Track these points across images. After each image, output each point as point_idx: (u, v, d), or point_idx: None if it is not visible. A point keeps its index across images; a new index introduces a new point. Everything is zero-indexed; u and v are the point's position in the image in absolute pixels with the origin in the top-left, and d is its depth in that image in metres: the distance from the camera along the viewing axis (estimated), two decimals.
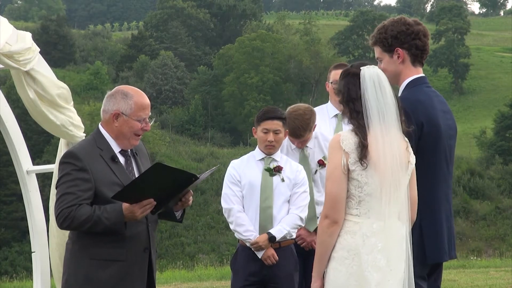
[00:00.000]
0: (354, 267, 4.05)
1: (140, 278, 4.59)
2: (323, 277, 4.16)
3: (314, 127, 6.30)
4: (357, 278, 4.05)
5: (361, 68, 4.17)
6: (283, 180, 5.98)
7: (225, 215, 6.05)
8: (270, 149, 5.99)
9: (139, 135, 4.66)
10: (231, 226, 5.99)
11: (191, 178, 4.45)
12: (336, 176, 4.07)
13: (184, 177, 4.45)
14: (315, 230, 6.20)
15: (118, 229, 4.44)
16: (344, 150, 4.07)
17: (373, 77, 4.13)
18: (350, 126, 4.18)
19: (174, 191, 4.51)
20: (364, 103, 4.10)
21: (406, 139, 4.18)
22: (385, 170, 4.06)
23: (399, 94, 4.49)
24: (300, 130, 6.18)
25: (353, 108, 4.13)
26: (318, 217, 6.24)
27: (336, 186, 4.07)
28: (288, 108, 6.32)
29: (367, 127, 4.08)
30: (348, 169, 4.07)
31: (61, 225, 4.48)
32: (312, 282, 4.19)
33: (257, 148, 6.11)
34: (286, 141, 6.33)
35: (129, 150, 4.70)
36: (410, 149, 4.20)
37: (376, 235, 4.06)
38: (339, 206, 4.07)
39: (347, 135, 4.12)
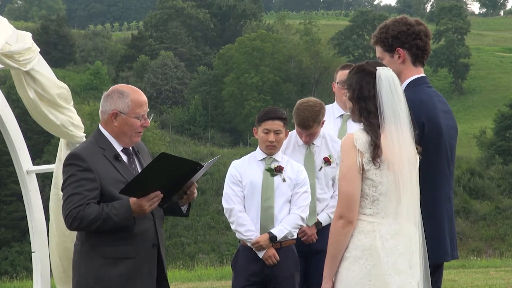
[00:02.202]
0: (368, 267, 4.04)
1: (150, 274, 4.60)
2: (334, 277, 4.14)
3: (323, 123, 6.29)
4: (372, 278, 4.04)
5: (377, 68, 4.15)
6: (284, 180, 5.98)
7: (226, 215, 6.05)
8: (271, 149, 5.99)
9: (140, 132, 4.67)
10: (232, 226, 6.00)
11: (195, 167, 4.44)
12: (351, 175, 4.06)
13: (188, 166, 4.45)
14: (315, 224, 6.23)
15: (128, 225, 4.45)
16: (358, 149, 4.06)
17: (388, 78, 4.12)
18: (359, 125, 4.17)
19: (179, 182, 4.50)
20: (379, 103, 4.08)
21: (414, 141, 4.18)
22: (402, 169, 4.05)
23: None
24: (309, 120, 6.15)
25: (365, 107, 4.11)
26: (318, 214, 6.27)
27: (351, 186, 4.06)
28: (298, 101, 6.33)
29: (380, 127, 4.07)
30: (363, 168, 4.06)
31: (71, 226, 4.48)
32: (323, 283, 4.16)
33: (258, 148, 6.11)
34: (293, 138, 6.35)
35: (130, 148, 4.72)
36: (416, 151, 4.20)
37: (395, 238, 4.05)
38: (353, 206, 4.06)
39: (360, 135, 4.11)
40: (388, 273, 4.03)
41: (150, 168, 4.34)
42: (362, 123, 4.14)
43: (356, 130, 4.19)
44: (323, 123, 6.30)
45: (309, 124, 6.17)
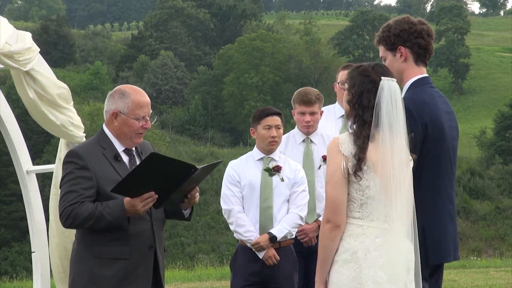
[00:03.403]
0: (357, 270, 4.03)
1: (145, 276, 4.58)
2: (326, 281, 4.13)
3: (321, 113, 6.38)
4: (360, 280, 4.03)
5: (382, 78, 4.09)
6: (282, 179, 5.99)
7: (225, 216, 6.05)
8: (273, 145, 6.02)
9: (141, 133, 4.66)
10: (232, 227, 6.00)
11: (190, 169, 4.41)
12: (336, 179, 4.04)
13: (182, 168, 4.41)
14: (318, 226, 6.22)
15: (121, 225, 4.44)
16: (343, 154, 4.04)
17: (391, 91, 4.06)
18: (349, 129, 4.13)
19: (174, 184, 4.46)
20: (376, 113, 4.03)
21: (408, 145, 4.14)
22: (392, 175, 4.02)
23: (403, 94, 4.45)
24: (311, 94, 6.29)
25: (361, 115, 4.07)
26: (319, 215, 6.28)
27: (337, 190, 4.04)
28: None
29: (371, 136, 4.03)
30: (348, 173, 4.04)
31: (65, 223, 4.50)
32: (315, 287, 4.16)
33: (255, 148, 6.13)
34: (291, 137, 6.41)
35: (133, 149, 4.71)
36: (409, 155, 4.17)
37: (378, 249, 4.03)
38: (340, 209, 4.04)
39: (346, 139, 4.08)
40: (367, 284, 4.02)
41: (140, 167, 4.33)
42: (352, 129, 4.10)
43: (343, 134, 4.16)
44: (321, 114, 6.37)
45: (311, 99, 6.27)
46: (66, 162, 4.58)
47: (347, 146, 4.05)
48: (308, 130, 6.34)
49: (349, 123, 4.15)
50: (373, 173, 4.04)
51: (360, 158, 4.01)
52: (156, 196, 4.43)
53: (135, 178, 4.33)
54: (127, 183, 4.34)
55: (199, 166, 4.45)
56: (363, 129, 4.06)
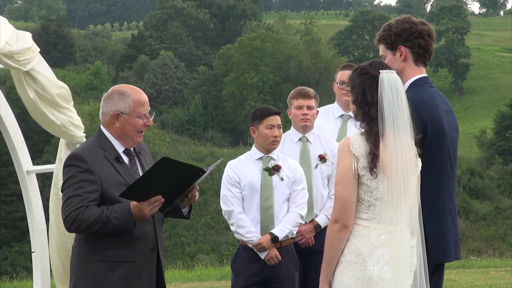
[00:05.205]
0: (362, 272, 4.03)
1: (149, 278, 4.56)
2: (330, 281, 4.14)
3: (317, 113, 6.39)
4: (365, 283, 4.03)
5: (380, 71, 4.10)
6: (282, 179, 5.99)
7: (225, 217, 6.05)
8: (275, 145, 6.04)
9: (142, 132, 4.64)
10: (232, 228, 6.00)
11: (198, 172, 4.40)
12: (347, 180, 4.04)
13: (190, 172, 4.40)
14: (314, 227, 6.23)
15: (128, 229, 4.40)
16: (354, 154, 4.04)
17: (391, 83, 4.06)
18: (359, 129, 4.13)
19: (181, 187, 4.46)
20: (380, 109, 4.03)
21: (415, 145, 4.14)
22: (396, 176, 4.02)
23: None
24: (309, 90, 6.36)
25: (368, 113, 4.07)
26: (316, 215, 6.28)
27: (347, 191, 4.04)
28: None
29: (380, 134, 4.03)
30: (358, 174, 4.04)
31: (70, 228, 4.43)
32: (320, 286, 4.16)
33: (253, 147, 6.13)
34: (288, 136, 6.42)
35: (132, 149, 4.67)
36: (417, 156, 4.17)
37: (383, 246, 4.03)
38: (349, 210, 4.05)
39: (357, 139, 4.07)
40: (374, 281, 4.02)
41: (151, 172, 4.29)
42: (363, 128, 4.11)
43: (353, 134, 4.16)
44: (317, 113, 6.38)
45: (308, 92, 6.32)
46: (68, 165, 4.49)
47: (358, 146, 4.05)
48: (306, 124, 6.32)
49: (359, 123, 4.15)
50: (382, 175, 4.04)
51: (374, 154, 4.01)
52: (163, 200, 4.40)
53: (145, 183, 4.29)
54: (136, 187, 4.30)
55: (205, 169, 4.44)
56: (372, 125, 4.06)
